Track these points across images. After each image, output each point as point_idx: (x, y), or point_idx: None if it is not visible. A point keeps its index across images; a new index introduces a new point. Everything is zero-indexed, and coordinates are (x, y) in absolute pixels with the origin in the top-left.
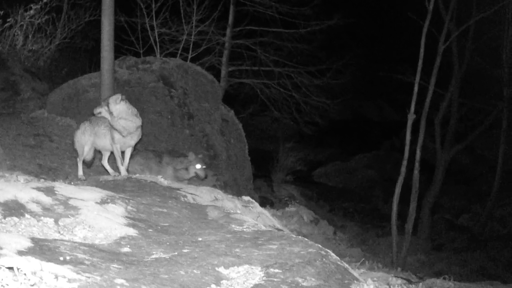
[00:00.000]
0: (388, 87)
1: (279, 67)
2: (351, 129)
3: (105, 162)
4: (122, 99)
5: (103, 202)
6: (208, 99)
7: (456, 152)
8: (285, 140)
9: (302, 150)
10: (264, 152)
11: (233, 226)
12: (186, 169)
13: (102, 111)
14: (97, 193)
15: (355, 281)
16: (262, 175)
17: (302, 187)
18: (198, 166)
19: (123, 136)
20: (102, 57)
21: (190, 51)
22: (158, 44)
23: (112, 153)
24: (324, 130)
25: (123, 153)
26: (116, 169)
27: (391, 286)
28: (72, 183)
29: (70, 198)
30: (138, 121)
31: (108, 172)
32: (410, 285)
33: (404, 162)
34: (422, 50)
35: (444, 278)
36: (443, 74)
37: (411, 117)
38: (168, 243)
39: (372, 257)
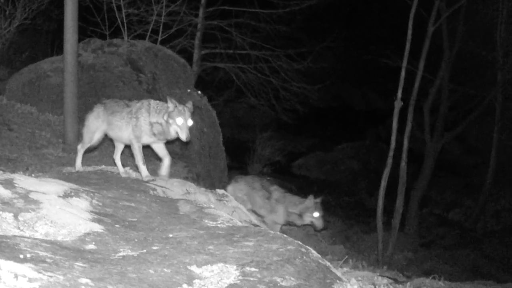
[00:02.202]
0: (373, 72)
1: (256, 50)
2: (333, 117)
3: (117, 157)
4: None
5: (66, 195)
6: (180, 85)
7: (447, 141)
8: (262, 129)
9: (280, 139)
10: (240, 141)
11: (206, 221)
12: (300, 215)
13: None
14: (60, 186)
15: (338, 281)
16: (238, 166)
17: (281, 180)
18: (317, 214)
19: (159, 139)
20: (65, 39)
21: (160, 33)
22: (125, 25)
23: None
24: (304, 118)
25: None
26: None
27: (377, 286)
28: (32, 175)
29: (31, 191)
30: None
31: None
32: (397, 285)
33: (391, 153)
34: (410, 32)
35: (434, 278)
36: (433, 58)
37: (398, 104)
38: (136, 240)
39: (356, 255)
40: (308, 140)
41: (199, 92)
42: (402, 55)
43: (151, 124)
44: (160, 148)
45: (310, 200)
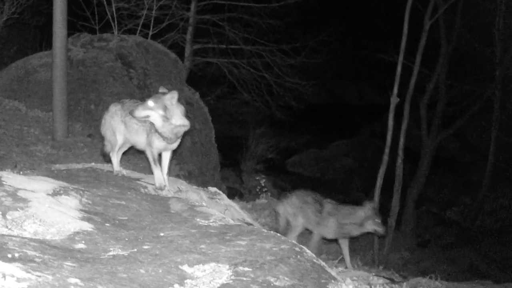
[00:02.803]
0: (369, 67)
1: (249, 45)
2: (328, 114)
3: (118, 153)
4: (177, 99)
5: (55, 193)
6: (171, 80)
7: (444, 138)
8: (255, 126)
9: (274, 136)
10: (233, 138)
11: (198, 220)
12: (361, 224)
13: (152, 114)
14: (49, 184)
15: (333, 281)
16: (230, 164)
17: (275, 177)
18: (378, 220)
19: (169, 143)
20: (54, 34)
21: (151, 27)
22: (115, 19)
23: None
24: (299, 114)
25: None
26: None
27: (372, 286)
28: (21, 172)
29: (19, 189)
30: (188, 124)
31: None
32: (393, 285)
33: (387, 150)
34: (406, 26)
35: (430, 277)
36: (429, 52)
37: (394, 100)
38: (126, 239)
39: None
40: (303, 137)
41: (191, 88)
42: (399, 50)
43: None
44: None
45: (369, 207)
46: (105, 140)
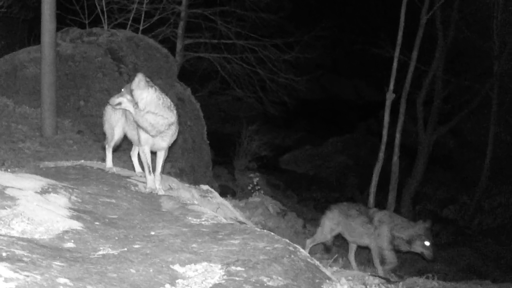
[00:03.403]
0: (365, 63)
1: (242, 40)
2: (322, 110)
3: (133, 154)
4: (149, 85)
5: (44, 191)
6: (162, 76)
7: (441, 135)
8: (248, 122)
9: (267, 133)
10: (225, 135)
11: (189, 218)
12: (409, 241)
13: (123, 101)
14: (37, 182)
15: (327, 281)
16: (223, 161)
17: (268, 175)
18: (427, 243)
19: (152, 136)
20: (42, 28)
21: (142, 21)
22: (105, 14)
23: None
24: (293, 110)
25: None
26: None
27: (368, 286)
28: (8, 170)
29: (7, 187)
30: (171, 116)
31: (134, 168)
32: (389, 285)
33: (382, 147)
34: (402, 21)
35: (427, 277)
36: (426, 48)
37: (390, 96)
38: (117, 238)
39: (346, 254)
40: (296, 134)
41: (183, 83)
42: (395, 45)
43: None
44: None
45: (420, 227)
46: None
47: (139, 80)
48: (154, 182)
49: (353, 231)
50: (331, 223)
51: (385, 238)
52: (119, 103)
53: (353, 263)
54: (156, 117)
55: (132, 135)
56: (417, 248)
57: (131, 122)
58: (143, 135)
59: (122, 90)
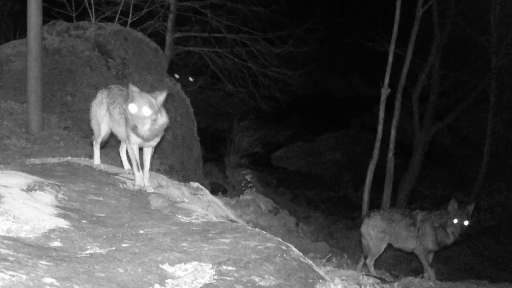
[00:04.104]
0: (359, 57)
1: (233, 34)
2: (315, 105)
3: (121, 151)
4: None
5: (30, 189)
6: (151, 70)
7: (437, 131)
8: (239, 118)
9: (259, 129)
10: (216, 131)
11: (179, 216)
12: (443, 227)
13: (158, 117)
14: (23, 179)
15: (321, 280)
16: (213, 158)
17: (260, 172)
18: (466, 222)
19: (145, 140)
20: (28, 22)
21: (130, 15)
22: (93, 6)
23: None
24: (285, 106)
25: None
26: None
27: (362, 286)
28: None
29: None
30: (167, 121)
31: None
32: (384, 285)
33: (377, 143)
34: (398, 14)
35: (423, 277)
36: (422, 41)
37: (385, 91)
38: (104, 237)
39: (340, 253)
40: (289, 130)
41: (172, 78)
42: (390, 38)
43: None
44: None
45: (453, 205)
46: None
47: (133, 87)
48: (143, 179)
49: (399, 236)
50: (376, 231)
51: (429, 237)
52: (155, 120)
53: (371, 268)
54: (138, 120)
55: (117, 131)
56: (448, 229)
57: (115, 119)
58: (134, 137)
59: (147, 99)
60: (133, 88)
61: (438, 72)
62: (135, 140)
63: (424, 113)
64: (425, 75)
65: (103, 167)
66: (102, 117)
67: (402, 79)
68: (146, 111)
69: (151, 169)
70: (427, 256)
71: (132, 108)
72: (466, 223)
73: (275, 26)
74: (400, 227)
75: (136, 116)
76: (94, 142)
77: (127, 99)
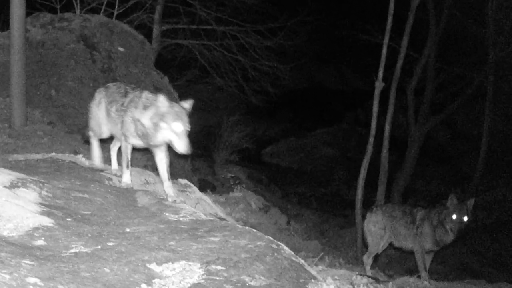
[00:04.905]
0: (352, 50)
1: (222, 26)
2: (307, 100)
3: (113, 148)
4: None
5: (12, 186)
6: (138, 63)
7: (433, 126)
8: (229, 113)
9: (249, 124)
10: (204, 127)
11: (167, 214)
12: (442, 223)
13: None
14: (6, 176)
15: (313, 280)
16: (202, 154)
17: (250, 169)
18: (466, 218)
19: (144, 143)
20: (11, 13)
21: (116, 6)
22: None
23: None
24: (276, 100)
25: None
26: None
27: (356, 286)
28: None
29: None
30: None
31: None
32: (378, 285)
33: (371, 139)
34: (392, 5)
35: (418, 277)
36: (417, 34)
37: (379, 85)
38: (90, 235)
39: (332, 252)
40: (280, 125)
41: (160, 71)
42: (384, 30)
43: (134, 122)
44: (157, 157)
45: (452, 200)
46: (89, 125)
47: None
48: (131, 177)
49: (398, 234)
50: (377, 227)
51: (428, 236)
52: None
53: (367, 267)
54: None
55: (113, 129)
56: (446, 225)
57: (112, 117)
58: (133, 139)
59: (185, 112)
60: (174, 105)
61: (434, 65)
62: (134, 142)
63: (419, 107)
64: (420, 68)
65: (87, 163)
66: (103, 119)
67: (397, 73)
68: (188, 126)
69: (136, 165)
70: (424, 258)
71: (178, 127)
72: (465, 219)
73: (265, 18)
74: (400, 225)
75: (181, 133)
76: (92, 140)
77: (133, 103)
